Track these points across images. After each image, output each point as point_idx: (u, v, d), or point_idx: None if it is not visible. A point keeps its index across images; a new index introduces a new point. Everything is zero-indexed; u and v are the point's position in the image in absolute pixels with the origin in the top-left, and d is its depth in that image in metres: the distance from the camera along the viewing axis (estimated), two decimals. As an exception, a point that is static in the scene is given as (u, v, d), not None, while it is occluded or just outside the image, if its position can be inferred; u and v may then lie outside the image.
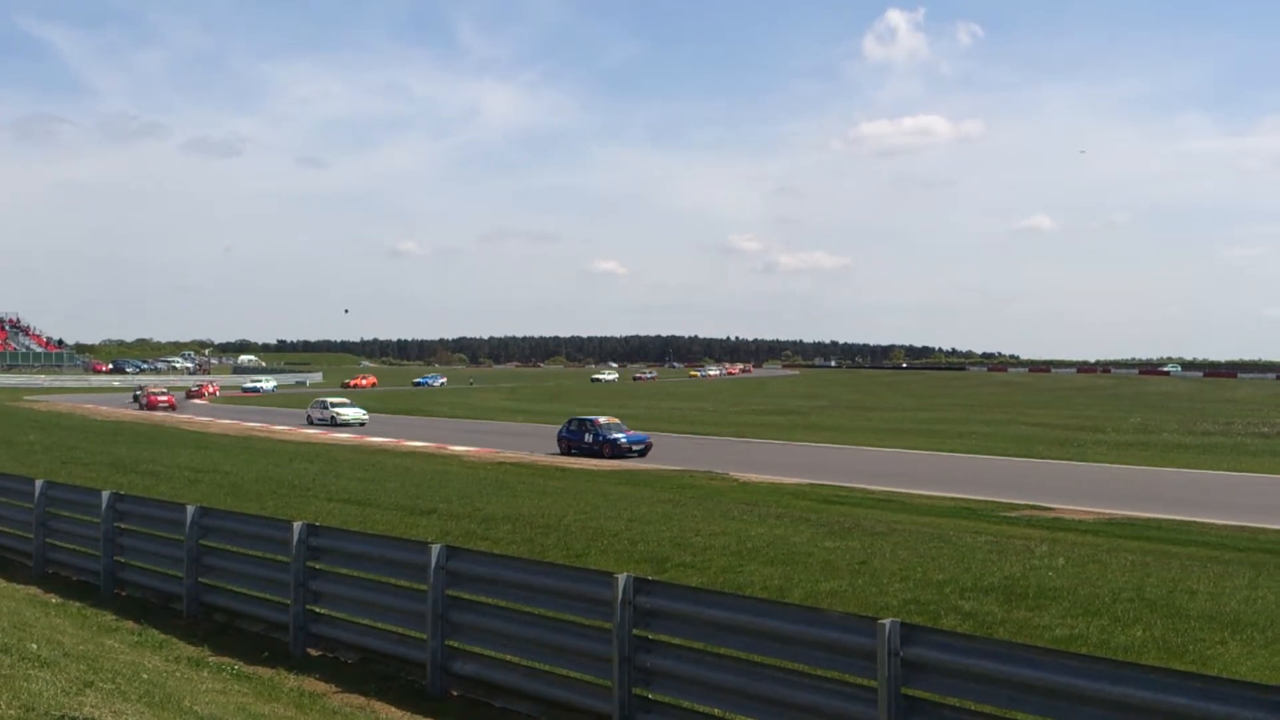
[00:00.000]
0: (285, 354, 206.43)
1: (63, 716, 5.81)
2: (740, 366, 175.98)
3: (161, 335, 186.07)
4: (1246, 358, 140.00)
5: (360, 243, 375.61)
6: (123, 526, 12.78)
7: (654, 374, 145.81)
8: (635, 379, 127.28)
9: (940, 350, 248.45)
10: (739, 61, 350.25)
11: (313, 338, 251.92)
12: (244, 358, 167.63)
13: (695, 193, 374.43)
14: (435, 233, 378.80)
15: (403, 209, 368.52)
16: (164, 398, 63.89)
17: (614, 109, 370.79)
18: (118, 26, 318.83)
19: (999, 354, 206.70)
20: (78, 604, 12.11)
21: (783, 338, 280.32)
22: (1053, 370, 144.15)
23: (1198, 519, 20.28)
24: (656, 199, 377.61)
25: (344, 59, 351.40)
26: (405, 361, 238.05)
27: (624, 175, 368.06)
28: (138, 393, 67.45)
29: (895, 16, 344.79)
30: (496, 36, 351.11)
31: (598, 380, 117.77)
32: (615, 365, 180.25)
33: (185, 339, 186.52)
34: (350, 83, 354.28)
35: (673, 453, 34.15)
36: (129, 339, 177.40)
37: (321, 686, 9.02)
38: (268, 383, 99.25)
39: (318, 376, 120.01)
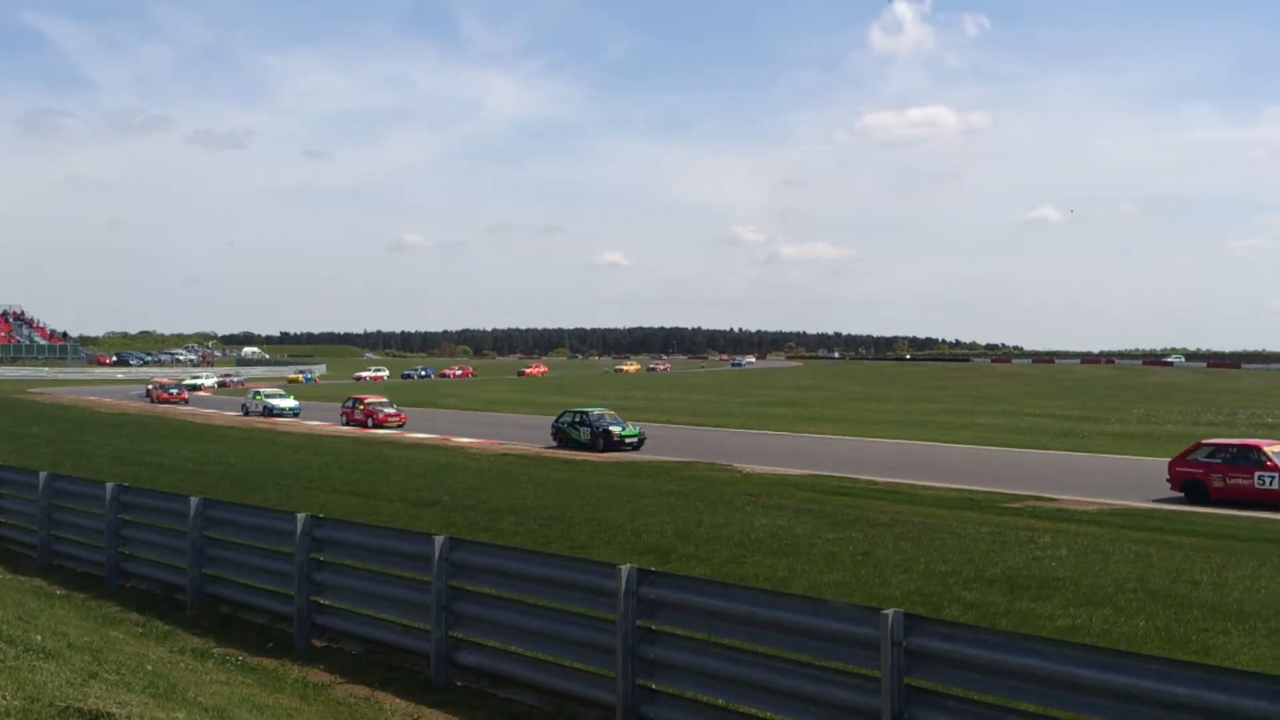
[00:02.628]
0: (288, 346, 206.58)
1: (67, 708, 5.81)
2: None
3: (165, 328, 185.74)
4: (1251, 348, 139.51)
5: (364, 235, 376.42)
6: (127, 518, 12.81)
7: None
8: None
9: (944, 341, 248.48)
10: (742, 53, 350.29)
11: (316, 330, 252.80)
12: (247, 350, 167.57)
13: (699, 184, 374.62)
14: (439, 225, 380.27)
15: (407, 201, 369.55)
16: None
17: (617, 101, 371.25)
18: (122, 20, 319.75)
19: (1003, 345, 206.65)
20: (82, 596, 12.14)
21: (786, 329, 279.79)
22: (1056, 361, 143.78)
23: (1200, 509, 20.28)
24: (660, 191, 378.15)
25: (347, 51, 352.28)
26: (409, 354, 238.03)
27: (627, 167, 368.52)
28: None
29: (902, 8, 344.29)
30: (499, 29, 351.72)
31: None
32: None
33: (189, 331, 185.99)
34: (354, 75, 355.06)
35: (676, 444, 34.14)
36: (133, 331, 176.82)
37: (326, 677, 9.04)
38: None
39: (322, 369, 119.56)
